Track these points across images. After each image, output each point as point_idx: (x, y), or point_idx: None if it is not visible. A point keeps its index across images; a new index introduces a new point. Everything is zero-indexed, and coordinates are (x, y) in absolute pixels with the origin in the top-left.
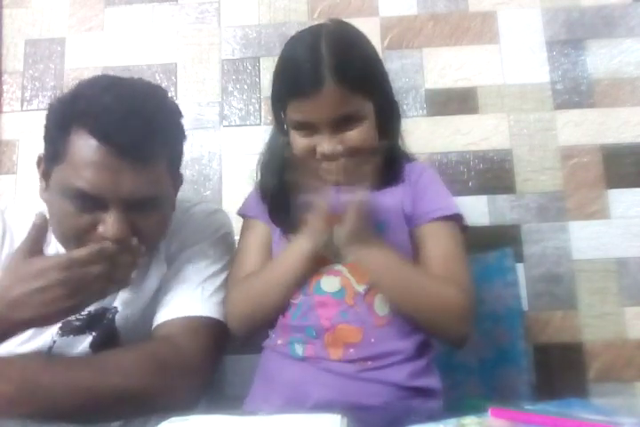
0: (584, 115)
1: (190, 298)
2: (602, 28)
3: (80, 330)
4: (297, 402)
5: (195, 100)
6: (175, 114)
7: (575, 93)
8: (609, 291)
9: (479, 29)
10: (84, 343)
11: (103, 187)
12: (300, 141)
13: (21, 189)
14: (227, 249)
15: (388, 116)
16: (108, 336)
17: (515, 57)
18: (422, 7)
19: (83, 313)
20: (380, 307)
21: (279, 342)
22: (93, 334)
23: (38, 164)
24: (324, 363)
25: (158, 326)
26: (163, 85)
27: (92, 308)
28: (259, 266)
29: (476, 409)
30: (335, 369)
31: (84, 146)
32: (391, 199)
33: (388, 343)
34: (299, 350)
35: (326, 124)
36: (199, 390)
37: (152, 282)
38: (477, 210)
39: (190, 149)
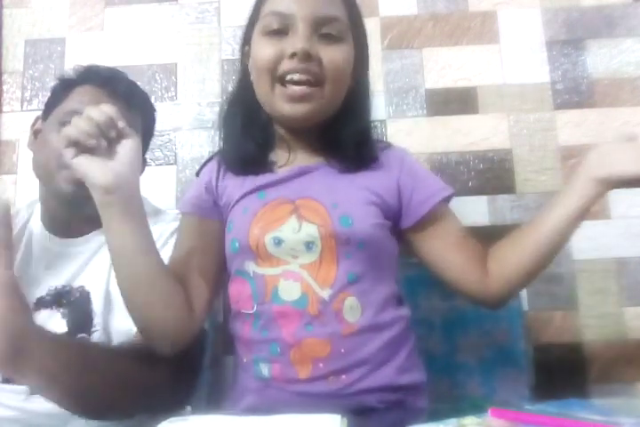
0: (584, 115)
1: None
2: (602, 28)
3: (48, 305)
4: None
5: (195, 100)
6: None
7: (575, 93)
8: (609, 291)
9: (479, 29)
10: (52, 322)
11: None
12: (267, 49)
13: (22, 188)
14: None
15: (360, 77)
16: (81, 318)
17: (515, 57)
18: (422, 7)
19: (50, 288)
20: (351, 312)
21: (244, 360)
22: (61, 310)
23: (33, 123)
24: (294, 385)
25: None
26: (163, 85)
27: (58, 284)
28: (183, 261)
29: (476, 409)
30: (307, 391)
31: (85, 91)
32: (371, 183)
33: (358, 352)
34: (264, 369)
35: (305, 21)
36: (194, 384)
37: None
38: (477, 210)
39: (190, 150)
